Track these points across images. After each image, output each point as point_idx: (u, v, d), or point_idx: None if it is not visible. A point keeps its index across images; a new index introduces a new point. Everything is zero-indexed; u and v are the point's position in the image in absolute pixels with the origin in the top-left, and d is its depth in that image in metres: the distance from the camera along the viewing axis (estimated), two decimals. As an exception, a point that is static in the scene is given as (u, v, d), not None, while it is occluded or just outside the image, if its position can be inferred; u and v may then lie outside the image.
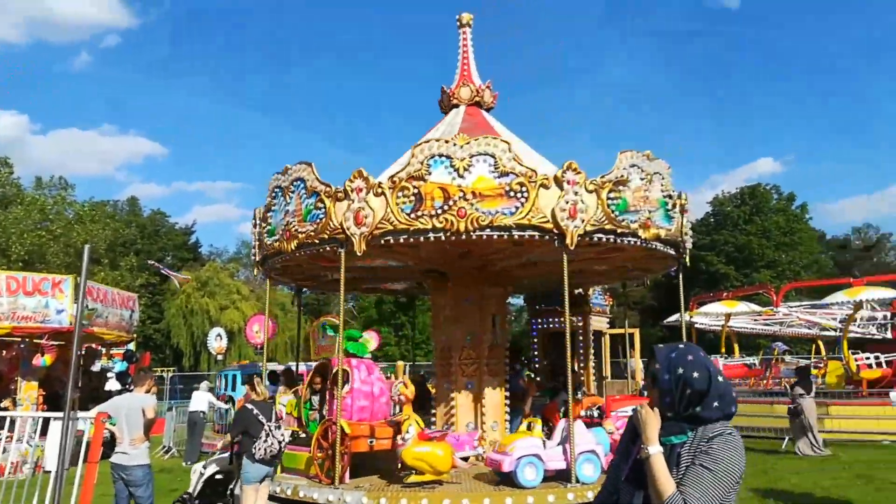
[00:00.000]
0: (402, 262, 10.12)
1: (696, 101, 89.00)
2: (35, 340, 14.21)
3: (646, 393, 2.41)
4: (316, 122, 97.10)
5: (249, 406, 6.87)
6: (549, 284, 14.57)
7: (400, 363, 11.83)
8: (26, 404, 13.82)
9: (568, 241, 7.35)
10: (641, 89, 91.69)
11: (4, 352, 15.14)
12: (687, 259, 9.05)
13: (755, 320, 24.21)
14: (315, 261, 9.02)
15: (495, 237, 7.38)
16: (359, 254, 7.42)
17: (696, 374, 2.23)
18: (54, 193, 37.74)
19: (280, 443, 6.62)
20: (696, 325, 24.01)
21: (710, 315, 22.68)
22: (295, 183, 8.12)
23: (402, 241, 7.50)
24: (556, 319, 15.72)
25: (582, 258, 10.47)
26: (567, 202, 7.36)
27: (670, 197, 8.51)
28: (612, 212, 7.60)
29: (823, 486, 9.43)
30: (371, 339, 25.39)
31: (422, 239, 7.46)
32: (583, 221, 7.40)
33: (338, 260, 7.72)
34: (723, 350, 24.25)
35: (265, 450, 6.51)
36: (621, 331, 16.42)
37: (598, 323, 16.58)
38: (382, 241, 7.49)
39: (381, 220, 7.34)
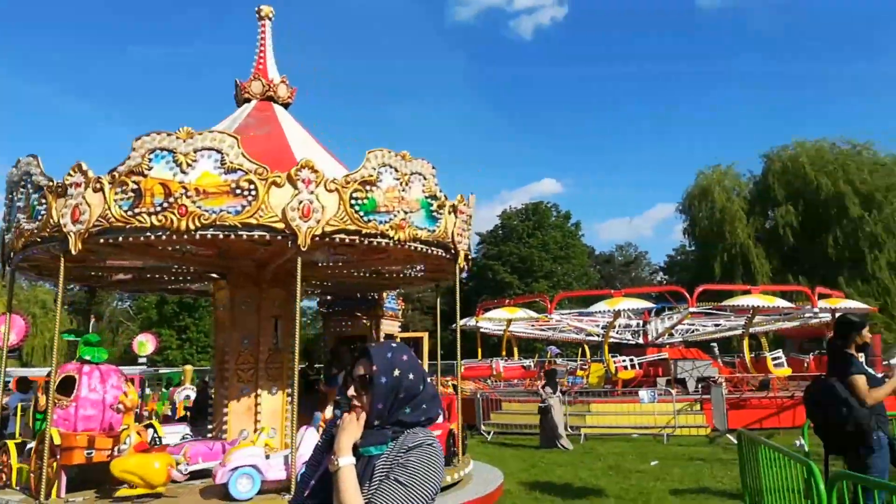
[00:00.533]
0: (161, 262, 9.47)
1: (492, 119, 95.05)
2: None
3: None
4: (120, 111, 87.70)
5: None
6: (343, 287, 14.53)
7: (188, 368, 11.02)
8: None
9: (300, 241, 6.99)
10: (448, 108, 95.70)
11: None
12: (461, 260, 8.77)
13: (532, 325, 26.20)
14: (72, 261, 8.00)
15: (221, 237, 6.99)
16: (73, 252, 6.91)
17: (411, 376, 2.12)
18: None
19: None
20: (482, 329, 25.42)
21: (494, 320, 24.14)
22: (24, 177, 7.51)
23: (120, 239, 7.06)
24: (349, 323, 15.73)
25: (349, 261, 10.48)
26: (300, 202, 7.03)
27: (434, 198, 8.16)
28: (357, 212, 7.27)
29: (581, 477, 10.41)
30: (148, 343, 23.49)
31: (142, 238, 7.00)
32: (318, 222, 7.08)
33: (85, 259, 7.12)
34: (503, 352, 25.97)
35: None
36: (412, 334, 16.84)
37: (390, 327, 16.81)
38: (102, 240, 7.05)
39: (98, 217, 6.85)
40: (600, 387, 18.98)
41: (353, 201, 7.23)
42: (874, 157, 39.69)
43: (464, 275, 10.76)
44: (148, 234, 6.84)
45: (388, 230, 7.46)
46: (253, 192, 6.83)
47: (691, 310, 19.06)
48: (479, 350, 25.74)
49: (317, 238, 7.10)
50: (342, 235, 7.31)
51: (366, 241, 7.44)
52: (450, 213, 8.32)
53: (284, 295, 9.71)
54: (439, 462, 2.07)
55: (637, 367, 19.65)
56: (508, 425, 15.93)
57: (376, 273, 11.87)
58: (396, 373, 2.10)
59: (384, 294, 15.94)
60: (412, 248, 7.94)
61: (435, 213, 8.16)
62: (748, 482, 5.74)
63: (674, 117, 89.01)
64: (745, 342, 20.22)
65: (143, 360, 22.48)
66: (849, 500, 4.00)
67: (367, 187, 7.31)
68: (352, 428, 2.07)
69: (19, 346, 16.09)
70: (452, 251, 8.60)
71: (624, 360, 19.70)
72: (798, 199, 40.23)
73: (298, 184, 7.04)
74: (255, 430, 8.66)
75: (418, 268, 11.11)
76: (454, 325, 26.88)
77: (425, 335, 17.66)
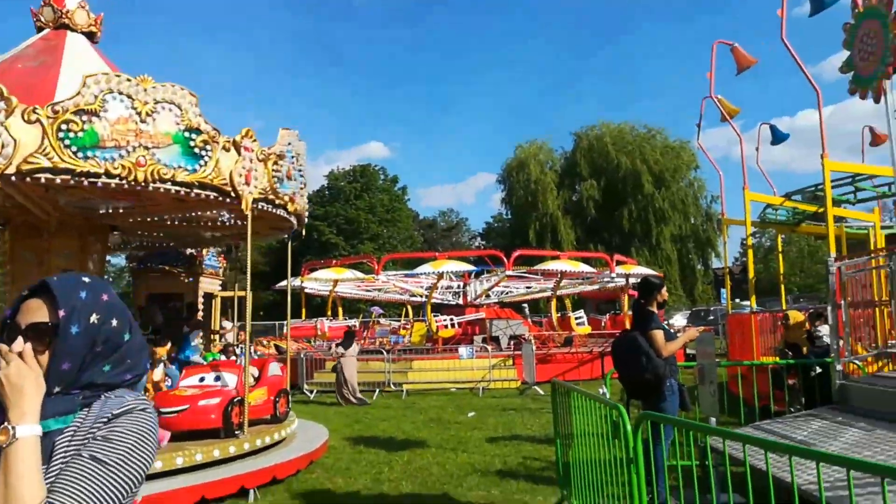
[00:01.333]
0: None
1: (321, 76, 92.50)
2: None
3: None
4: None
5: None
6: (155, 243, 13.60)
7: None
8: None
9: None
10: (273, 59, 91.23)
11: None
12: (246, 204, 7.51)
13: (359, 286, 26.38)
14: None
15: (173, 192, 6.87)
16: None
17: (114, 322, 1.57)
18: None
19: None
20: (306, 290, 25.10)
21: (320, 280, 23.94)
22: None
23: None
24: (164, 280, 14.81)
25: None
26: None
27: (196, 132, 7.06)
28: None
29: (404, 429, 10.84)
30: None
31: (86, 182, 6.39)
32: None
33: None
34: (329, 313, 25.90)
35: None
36: (232, 294, 16.20)
37: (210, 285, 16.08)
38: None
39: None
40: (422, 345, 19.70)
41: (60, 133, 6.31)
42: (665, 142, 44.56)
43: (293, 231, 10.44)
44: (94, 180, 6.40)
45: (116, 168, 6.50)
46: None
47: (508, 272, 20.31)
48: (304, 310, 25.41)
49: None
50: (48, 175, 6.31)
51: (85, 181, 6.52)
52: (225, 149, 7.21)
53: (76, 246, 8.92)
54: (154, 433, 1.54)
55: (456, 326, 20.62)
56: (332, 384, 16.02)
57: (183, 223, 10.99)
58: (94, 319, 1.52)
59: (204, 251, 15.18)
60: (168, 190, 6.93)
61: (197, 150, 7.10)
62: (559, 428, 6.34)
63: (499, 92, 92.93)
64: (553, 303, 22.03)
65: None
66: (648, 439, 4.62)
67: (84, 117, 6.37)
68: (30, 383, 1.43)
69: None
70: (233, 194, 7.39)
71: (445, 320, 20.56)
72: (601, 175, 44.20)
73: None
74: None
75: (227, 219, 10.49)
76: (278, 285, 26.34)
77: (249, 294, 17.09)
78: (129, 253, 16.02)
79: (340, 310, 27.22)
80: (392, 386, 15.63)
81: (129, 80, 6.58)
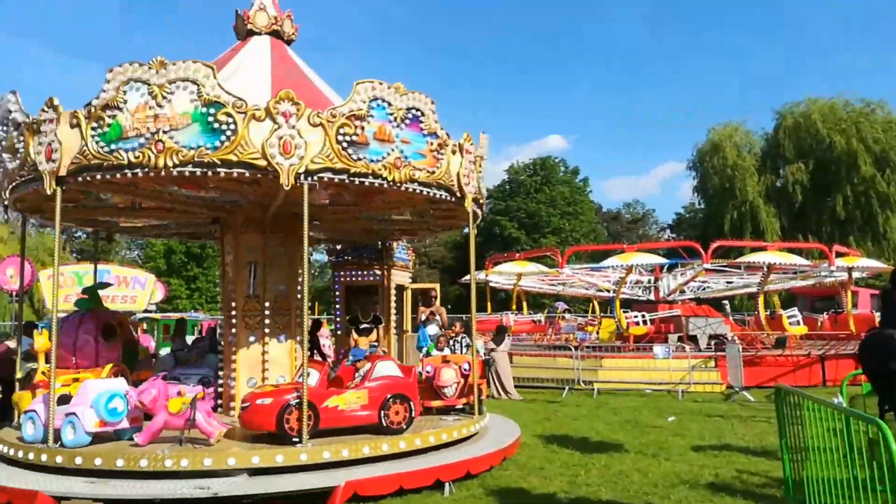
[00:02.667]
0: (155, 205, 9.19)
1: (497, 73, 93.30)
2: None
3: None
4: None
5: None
6: (351, 235, 14.24)
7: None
8: None
9: (283, 180, 6.62)
10: (453, 60, 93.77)
11: None
12: (468, 204, 8.06)
13: (542, 280, 25.97)
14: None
15: (199, 174, 6.65)
16: (48, 192, 6.71)
17: None
18: None
19: None
20: (491, 284, 25.21)
21: (504, 274, 23.89)
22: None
23: (98, 178, 6.70)
24: (360, 273, 15.50)
25: (353, 207, 10.14)
26: (279, 137, 6.64)
27: (434, 136, 7.61)
28: (345, 149, 6.84)
29: (598, 430, 10.27)
30: (157, 290, 23.34)
31: (119, 175, 6.64)
32: (300, 159, 6.70)
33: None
34: (513, 307, 25.81)
35: None
36: (423, 286, 16.62)
37: (401, 278, 16.60)
38: (80, 179, 6.76)
39: (76, 155, 6.60)
40: (612, 342, 18.82)
41: (340, 137, 6.79)
42: (888, 116, 38.79)
43: (478, 221, 10.37)
44: (125, 171, 6.54)
45: (381, 169, 6.99)
46: (232, 127, 6.48)
47: (706, 266, 18.72)
48: (489, 304, 25.55)
49: (304, 178, 6.74)
50: (328, 175, 6.83)
51: (356, 182, 6.99)
52: (453, 152, 7.86)
53: (292, 242, 9.46)
54: None
55: (648, 322, 19.46)
56: (520, 378, 15.82)
57: (383, 219, 11.52)
58: None
59: (394, 244, 15.69)
60: (411, 189, 7.40)
61: (437, 154, 7.59)
62: (787, 441, 5.49)
63: (684, 74, 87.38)
64: (761, 300, 19.96)
65: (152, 307, 22.34)
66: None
67: (357, 122, 6.87)
68: None
69: (26, 291, 15.90)
70: (458, 194, 8.06)
71: (636, 316, 19.49)
72: (809, 157, 39.58)
73: (278, 118, 6.63)
74: (263, 379, 8.54)
75: (431, 213, 10.67)
76: (464, 279, 26.74)
77: (437, 286, 17.43)
78: (326, 247, 17.06)
79: (525, 304, 27.00)
80: (582, 384, 15.04)
81: (390, 86, 7.07)
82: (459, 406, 8.87)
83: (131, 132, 6.49)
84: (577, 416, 11.78)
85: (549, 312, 26.46)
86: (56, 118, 6.71)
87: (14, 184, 7.47)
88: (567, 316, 26.33)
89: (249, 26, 9.28)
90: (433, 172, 7.48)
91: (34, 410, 7.14)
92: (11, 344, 11.05)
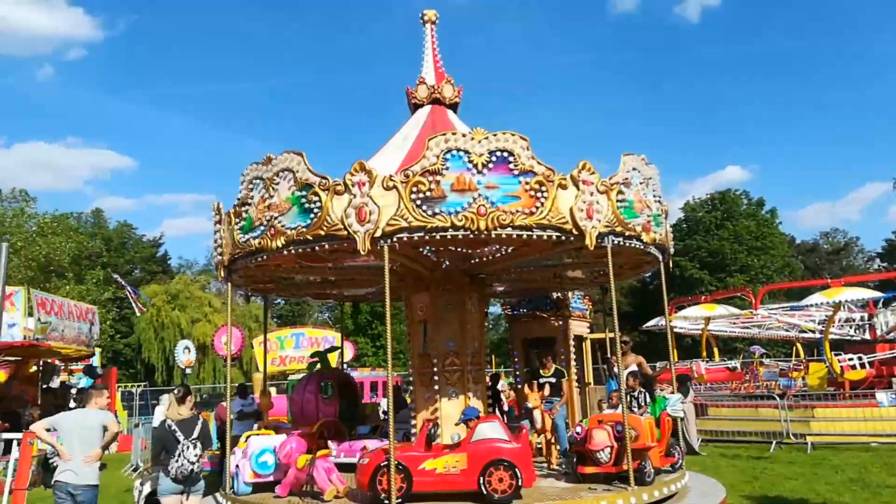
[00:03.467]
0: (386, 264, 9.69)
1: (661, 110, 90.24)
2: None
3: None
4: (282, 132, 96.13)
5: (168, 422, 6.51)
6: (525, 290, 14.19)
7: (257, 376, 11.62)
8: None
9: (587, 241, 7.20)
10: (610, 98, 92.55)
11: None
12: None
13: (733, 323, 24.06)
14: (301, 261, 8.46)
15: (514, 236, 7.08)
16: (363, 253, 6.93)
17: None
18: (14, 206, 36.37)
19: (192, 464, 6.23)
20: (676, 329, 23.80)
21: (689, 319, 22.48)
22: (281, 174, 7.32)
23: (408, 238, 6.97)
24: (535, 325, 15.37)
25: (564, 262, 10.19)
26: (584, 202, 7.23)
27: (660, 202, 8.45)
28: (621, 214, 7.56)
29: (818, 491, 9.10)
30: (346, 349, 24.88)
31: (435, 237, 6.97)
32: (599, 222, 7.31)
33: (320, 260, 7.22)
34: (703, 354, 24.08)
35: (175, 469, 6.21)
36: (603, 335, 16.05)
37: (579, 327, 16.19)
38: (392, 240, 6.95)
39: (392, 218, 6.84)
40: (823, 389, 16.81)
41: (618, 203, 7.55)
42: None
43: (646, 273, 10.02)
44: (443, 234, 6.88)
45: (640, 233, 7.83)
46: (544, 194, 7.02)
47: (933, 297, 16.27)
48: (674, 351, 24.10)
49: (600, 238, 7.34)
50: (612, 237, 7.55)
51: (625, 243, 7.80)
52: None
53: (481, 297, 9.83)
54: None
55: (867, 365, 17.17)
56: (717, 432, 14.58)
57: (552, 268, 11.40)
58: None
59: (570, 294, 15.40)
60: (648, 250, 7.94)
61: (659, 217, 8.15)
62: None
63: (873, 85, 78.59)
64: None
65: (343, 366, 23.77)
66: None
67: (625, 189, 7.66)
68: None
69: (238, 356, 17.67)
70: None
71: (850, 359, 17.30)
72: None
73: (581, 185, 7.24)
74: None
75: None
76: (645, 326, 25.56)
77: (617, 336, 16.76)
78: (503, 300, 17.17)
79: (716, 350, 25.09)
80: (792, 437, 13.51)
81: (463, 135, 7.03)
82: (615, 473, 7.58)
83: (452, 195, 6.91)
84: (790, 474, 10.53)
85: (744, 358, 24.30)
86: (369, 181, 6.87)
87: (291, 242, 7.26)
88: (766, 361, 24.03)
89: (414, 101, 9.90)
90: (532, 213, 7.00)
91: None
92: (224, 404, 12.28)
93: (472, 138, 6.95)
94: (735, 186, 53.56)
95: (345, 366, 25.20)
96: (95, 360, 20.47)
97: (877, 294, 19.07)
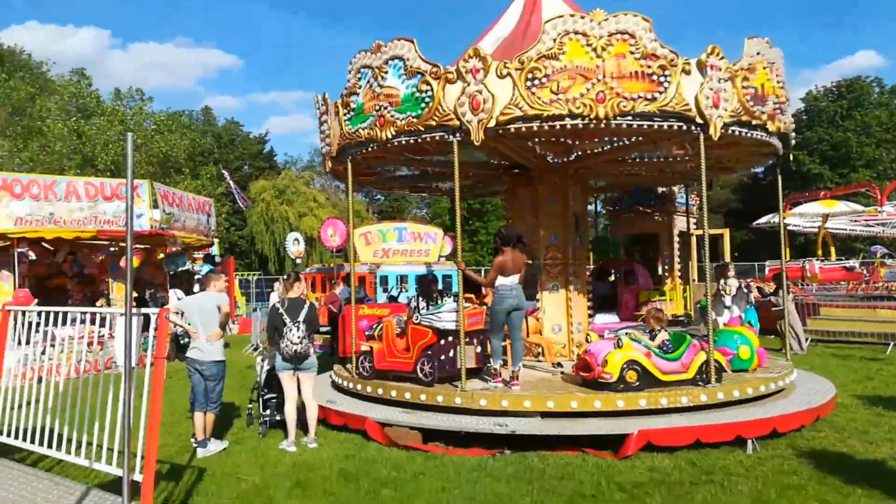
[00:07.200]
0: (489, 158, 9.62)
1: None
2: (120, 244, 14.62)
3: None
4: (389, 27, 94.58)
5: (277, 305, 6.93)
6: (629, 185, 13.76)
7: None
8: (119, 304, 14.40)
9: (711, 131, 6.73)
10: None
11: (94, 255, 15.72)
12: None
13: (854, 221, 22.51)
14: (406, 152, 8.48)
15: (634, 125, 6.69)
16: (476, 143, 6.78)
17: None
18: (133, 105, 38.45)
19: (296, 344, 6.64)
20: (789, 227, 22.58)
21: (806, 216, 21.22)
22: (391, 62, 7.15)
23: (525, 128, 6.75)
24: (638, 222, 15.03)
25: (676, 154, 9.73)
26: (711, 89, 6.69)
27: (783, 87, 7.68)
28: (747, 102, 6.98)
29: (941, 394, 8.66)
30: (446, 244, 25.37)
31: (555, 126, 6.67)
32: (725, 111, 6.80)
33: (438, 151, 7.18)
34: (819, 252, 22.82)
35: (283, 349, 6.68)
36: (710, 231, 15.51)
37: (684, 224, 15.68)
38: (506, 129, 6.76)
39: (506, 106, 6.63)
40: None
41: (743, 90, 7.00)
42: None
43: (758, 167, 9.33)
44: (560, 122, 6.59)
45: (766, 121, 7.15)
46: (667, 79, 6.55)
47: None
48: (786, 250, 22.95)
49: (724, 128, 6.87)
50: (735, 127, 7.05)
51: (749, 134, 7.25)
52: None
53: (584, 192, 9.71)
54: None
55: None
56: (831, 332, 14.02)
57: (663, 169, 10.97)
58: None
59: (675, 189, 14.82)
60: (770, 140, 7.35)
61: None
62: None
63: None
64: None
65: (442, 259, 24.34)
66: None
67: (749, 76, 7.06)
68: None
69: (342, 248, 18.53)
70: (699, 121, 6.77)
71: None
72: None
73: (707, 70, 6.73)
74: (569, 325, 8.77)
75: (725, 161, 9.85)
76: (756, 223, 24.40)
77: (726, 232, 16.13)
78: (604, 197, 16.79)
79: (832, 249, 23.68)
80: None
81: (582, 17, 6.54)
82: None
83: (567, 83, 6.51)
84: (907, 376, 10.07)
85: (864, 258, 22.85)
86: (483, 68, 6.63)
87: (400, 133, 7.12)
88: (888, 262, 22.48)
89: None
90: (654, 99, 6.56)
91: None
92: (337, 292, 13.04)
93: (591, 20, 6.51)
94: (866, 73, 48.50)
95: (442, 259, 25.88)
96: (214, 250, 21.98)
97: None
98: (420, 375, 7.40)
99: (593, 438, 6.28)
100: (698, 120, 6.75)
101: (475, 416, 6.79)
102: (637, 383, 6.79)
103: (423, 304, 8.03)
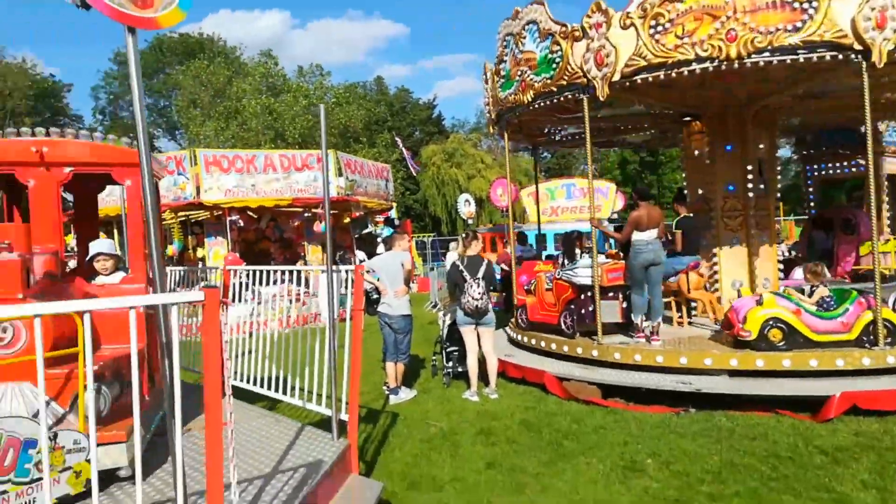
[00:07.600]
0: (650, 107, 9.14)
1: None
2: (313, 210, 15.96)
3: None
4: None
5: (457, 262, 7.23)
6: (826, 123, 12.37)
7: None
8: (314, 265, 15.81)
9: (875, 58, 5.89)
10: None
11: (291, 221, 17.31)
12: (878, 56, 6.11)
13: None
14: (553, 113, 8.43)
15: (775, 62, 6.04)
16: (602, 99, 6.65)
17: None
18: (314, 80, 41.30)
19: (476, 300, 6.90)
20: None
21: None
22: (527, 27, 7.29)
23: (652, 78, 6.47)
24: (835, 165, 13.52)
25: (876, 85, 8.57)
26: (873, 9, 5.82)
27: None
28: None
29: None
30: (618, 199, 24.68)
31: (682, 73, 6.30)
32: (893, 32, 5.88)
33: (579, 110, 7.02)
34: None
35: (464, 304, 6.98)
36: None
37: (894, 165, 13.87)
38: (632, 81, 6.53)
39: (630, 57, 6.40)
40: None
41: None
42: None
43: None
44: (687, 67, 6.24)
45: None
46: (813, 4, 5.88)
47: None
48: None
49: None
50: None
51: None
52: None
53: (767, 135, 8.94)
54: None
55: None
56: None
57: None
58: None
59: (882, 126, 13.11)
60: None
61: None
62: None
63: None
64: None
65: (615, 215, 23.72)
66: None
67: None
68: None
69: (512, 207, 18.68)
70: (857, 47, 5.94)
71: None
72: None
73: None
74: (752, 281, 8.29)
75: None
76: None
77: None
78: (794, 139, 15.29)
79: None
80: None
81: None
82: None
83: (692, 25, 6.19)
84: None
85: None
86: (606, 21, 6.49)
87: (539, 95, 7.25)
88: None
89: None
90: (797, 29, 5.85)
91: None
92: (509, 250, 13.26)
93: None
94: None
95: (616, 215, 25.18)
96: (393, 213, 23.20)
97: None
98: (563, 328, 7.68)
99: (790, 400, 5.95)
100: (857, 46, 5.91)
101: (657, 373, 6.70)
102: (783, 343, 6.31)
103: (566, 260, 8.23)
